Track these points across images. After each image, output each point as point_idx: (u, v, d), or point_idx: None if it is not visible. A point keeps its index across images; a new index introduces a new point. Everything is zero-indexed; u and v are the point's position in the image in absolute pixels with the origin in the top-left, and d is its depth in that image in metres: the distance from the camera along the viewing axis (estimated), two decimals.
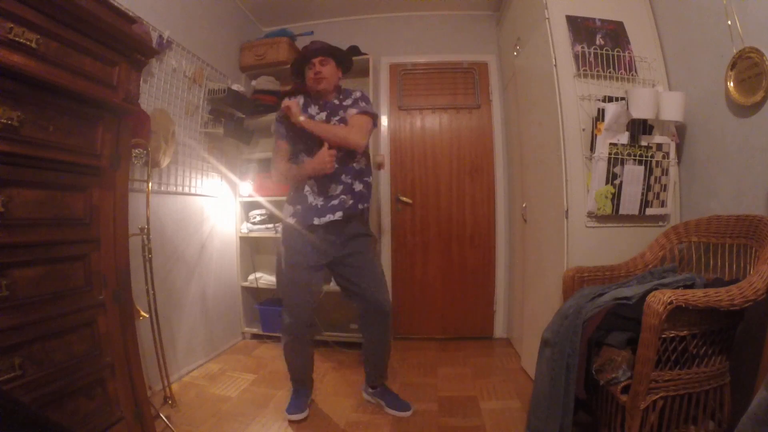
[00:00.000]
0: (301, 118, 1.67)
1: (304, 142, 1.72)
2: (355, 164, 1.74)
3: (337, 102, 1.80)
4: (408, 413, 1.79)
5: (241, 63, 2.90)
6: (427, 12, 3.04)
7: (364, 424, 1.73)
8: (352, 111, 1.75)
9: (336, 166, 1.67)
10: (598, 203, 1.74)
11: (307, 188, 1.72)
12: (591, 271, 1.63)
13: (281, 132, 1.78)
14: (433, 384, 2.08)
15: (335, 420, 1.77)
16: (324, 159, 1.62)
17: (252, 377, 2.21)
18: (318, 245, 1.70)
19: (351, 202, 1.71)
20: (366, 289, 1.72)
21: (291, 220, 1.73)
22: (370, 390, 1.91)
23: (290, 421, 1.73)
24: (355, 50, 2.83)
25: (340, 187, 1.71)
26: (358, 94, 1.83)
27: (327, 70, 1.75)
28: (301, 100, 1.82)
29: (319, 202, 1.70)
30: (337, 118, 1.76)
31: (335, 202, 1.69)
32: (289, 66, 2.78)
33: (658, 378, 1.14)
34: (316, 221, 1.68)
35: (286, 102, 1.71)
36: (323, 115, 1.77)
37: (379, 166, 2.47)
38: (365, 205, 1.77)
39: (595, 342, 1.29)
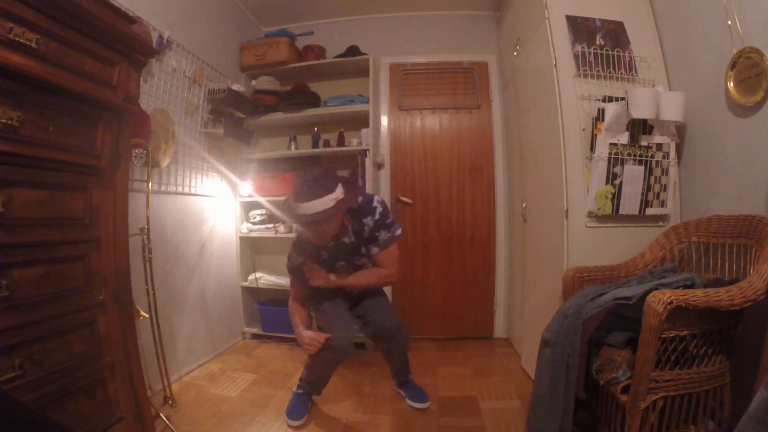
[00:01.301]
0: (333, 278, 1.68)
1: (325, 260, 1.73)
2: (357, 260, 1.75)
3: (351, 241, 1.67)
4: (423, 405, 1.85)
5: (241, 63, 2.90)
6: (427, 12, 3.04)
7: (364, 424, 1.73)
8: (375, 250, 1.66)
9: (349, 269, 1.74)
10: (598, 203, 1.74)
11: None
12: (591, 271, 1.63)
13: (299, 277, 1.74)
14: (433, 384, 2.08)
15: (335, 420, 1.77)
16: (305, 343, 1.67)
17: (252, 377, 2.21)
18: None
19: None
20: (370, 317, 1.76)
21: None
22: (395, 383, 2.01)
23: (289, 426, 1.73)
24: (355, 49, 2.84)
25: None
26: (370, 222, 1.61)
27: (320, 230, 1.54)
28: (307, 246, 1.71)
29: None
30: (364, 259, 1.73)
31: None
32: (289, 66, 2.82)
33: (658, 378, 1.14)
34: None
35: (313, 282, 1.69)
36: (341, 264, 1.74)
37: (378, 166, 2.48)
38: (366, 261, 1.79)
39: (595, 342, 1.29)
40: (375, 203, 1.64)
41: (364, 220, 1.63)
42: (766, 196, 1.34)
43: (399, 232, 1.70)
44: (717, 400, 1.23)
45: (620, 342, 1.23)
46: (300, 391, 1.84)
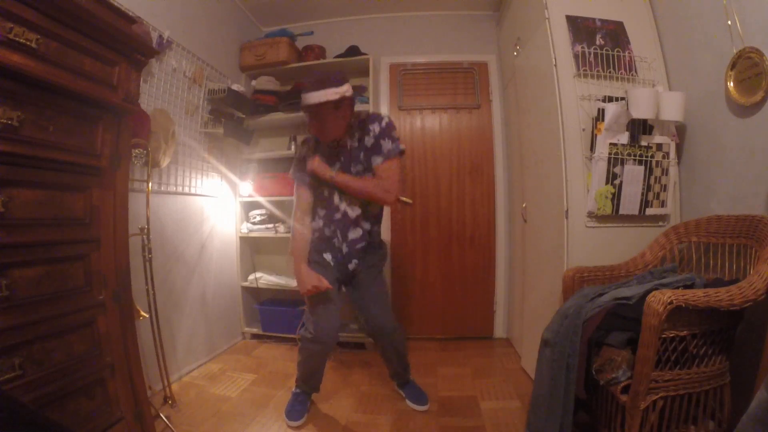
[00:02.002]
0: (332, 174, 1.60)
1: (322, 192, 1.69)
2: (372, 207, 1.71)
3: (353, 145, 1.64)
4: (423, 407, 1.84)
5: (241, 63, 2.90)
6: (427, 12, 3.04)
7: (364, 424, 1.73)
8: (378, 160, 1.61)
9: (360, 211, 1.66)
10: (598, 203, 1.74)
11: (328, 232, 1.69)
12: (591, 271, 1.63)
13: (304, 180, 1.70)
14: (433, 384, 2.08)
15: (335, 420, 1.77)
16: (304, 282, 1.57)
17: (252, 377, 2.21)
18: (332, 263, 1.71)
19: (365, 244, 1.71)
20: (368, 311, 1.75)
21: (329, 258, 1.71)
22: (395, 383, 1.99)
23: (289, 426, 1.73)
24: (355, 49, 2.84)
25: (360, 232, 1.69)
26: (377, 129, 1.61)
27: (323, 125, 1.56)
28: (311, 142, 1.73)
29: (343, 247, 1.69)
30: (360, 168, 1.63)
31: (357, 246, 1.69)
32: (289, 66, 2.82)
33: (658, 378, 1.14)
34: (330, 259, 1.69)
35: (310, 166, 1.63)
36: (337, 166, 1.65)
37: None
38: (376, 240, 1.77)
39: (595, 342, 1.29)
40: (383, 115, 1.67)
41: (370, 126, 1.63)
42: (766, 196, 1.34)
43: (403, 147, 1.66)
44: (717, 400, 1.23)
45: (620, 342, 1.23)
46: (297, 390, 1.84)
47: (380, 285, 1.83)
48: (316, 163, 1.63)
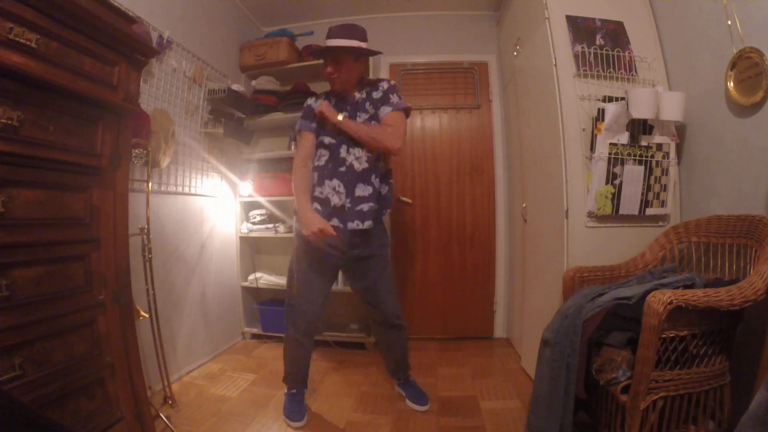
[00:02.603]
0: (340, 117, 1.62)
1: (331, 138, 1.65)
2: (383, 163, 1.70)
3: (361, 97, 1.70)
4: (423, 408, 1.83)
5: (241, 63, 2.90)
6: (427, 12, 3.04)
7: (364, 424, 1.73)
8: (386, 109, 1.66)
9: (367, 165, 1.62)
10: (598, 203, 1.74)
11: (328, 189, 1.62)
12: (591, 271, 1.63)
13: (309, 126, 1.71)
14: (433, 384, 2.08)
15: (335, 420, 1.77)
16: (311, 224, 1.52)
17: (252, 377, 2.21)
18: (336, 245, 1.61)
19: (377, 207, 1.66)
20: (379, 300, 1.75)
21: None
22: (395, 382, 1.99)
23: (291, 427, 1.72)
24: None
25: (369, 190, 1.63)
26: (385, 85, 1.71)
27: (344, 70, 1.64)
28: (322, 98, 1.76)
29: (347, 203, 1.61)
30: (366, 116, 1.67)
31: (365, 207, 1.61)
32: (289, 66, 2.82)
33: (658, 378, 1.14)
34: (337, 223, 1.60)
35: (318, 108, 1.65)
36: (346, 115, 1.66)
37: None
38: (388, 210, 1.74)
39: (595, 342, 1.29)
40: (388, 79, 1.78)
41: (379, 84, 1.73)
42: (766, 196, 1.34)
43: (410, 108, 1.74)
44: (717, 400, 1.23)
45: (620, 342, 1.23)
46: (293, 390, 1.84)
47: (390, 274, 1.81)
48: (324, 106, 1.64)
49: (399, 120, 1.65)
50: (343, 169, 1.62)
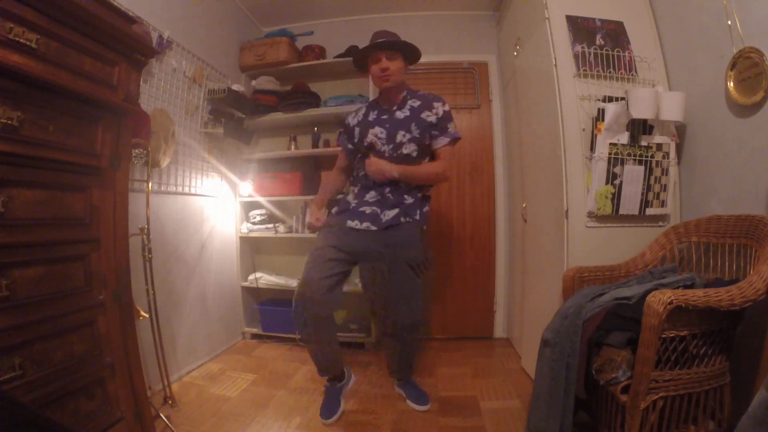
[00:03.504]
0: (396, 174, 1.63)
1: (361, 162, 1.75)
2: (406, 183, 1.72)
3: (404, 114, 1.70)
4: (423, 407, 1.83)
5: (241, 63, 2.90)
6: (427, 12, 3.04)
7: (364, 424, 1.73)
8: (444, 141, 1.70)
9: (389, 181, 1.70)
10: (598, 203, 1.74)
11: (351, 196, 1.77)
12: (591, 271, 1.63)
13: (345, 144, 1.86)
14: (433, 384, 2.08)
15: (335, 420, 1.76)
16: (312, 218, 1.76)
17: (252, 377, 2.21)
18: (354, 236, 1.68)
19: (391, 214, 1.68)
20: (394, 304, 1.71)
21: (334, 214, 1.77)
22: (395, 382, 1.99)
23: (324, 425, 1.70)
24: (355, 49, 2.84)
25: (386, 198, 1.71)
26: (441, 111, 1.68)
27: (395, 66, 1.64)
28: (362, 111, 1.82)
29: (354, 203, 1.75)
30: (407, 137, 1.67)
31: (367, 210, 1.70)
32: (289, 66, 2.82)
33: (658, 378, 1.14)
34: (350, 224, 1.69)
35: (372, 171, 1.66)
36: (384, 133, 1.69)
37: None
38: (408, 219, 1.69)
39: (595, 342, 1.29)
40: (443, 99, 1.76)
41: (435, 103, 1.71)
42: (766, 196, 1.34)
43: (460, 135, 1.76)
44: (717, 400, 1.23)
45: (620, 342, 1.23)
46: (326, 384, 1.85)
47: (408, 279, 1.69)
48: (376, 168, 1.64)
49: (451, 153, 1.72)
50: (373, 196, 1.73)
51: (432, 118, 1.69)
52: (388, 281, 1.70)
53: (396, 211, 1.68)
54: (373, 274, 1.77)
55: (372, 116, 1.76)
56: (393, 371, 1.98)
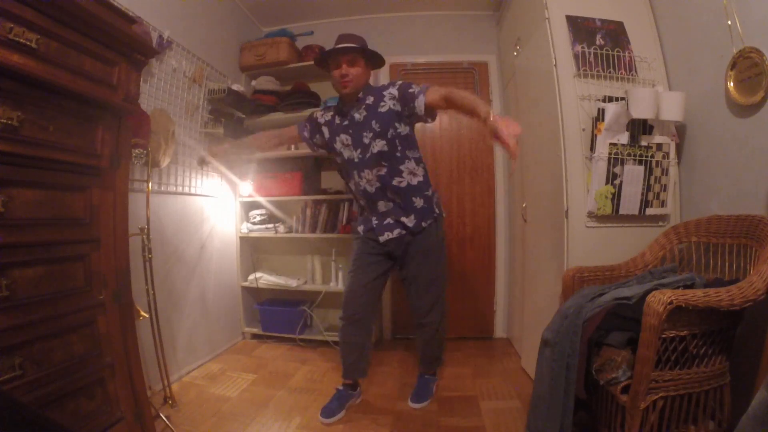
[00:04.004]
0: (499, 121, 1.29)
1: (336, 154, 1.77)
2: (398, 181, 1.69)
3: (362, 115, 1.66)
4: (416, 405, 1.86)
5: (241, 63, 2.90)
6: (427, 12, 3.04)
7: (364, 424, 1.73)
8: (421, 98, 1.56)
9: (378, 185, 1.69)
10: (598, 203, 1.74)
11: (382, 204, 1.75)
12: (591, 271, 1.63)
13: (303, 127, 1.86)
14: None
15: (335, 420, 1.76)
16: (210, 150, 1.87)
17: (252, 377, 2.21)
18: (383, 247, 1.77)
19: (410, 220, 1.72)
20: (412, 301, 1.84)
21: (362, 233, 1.82)
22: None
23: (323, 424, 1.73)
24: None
25: (390, 205, 1.73)
26: (394, 90, 1.63)
27: (355, 72, 1.62)
28: (330, 112, 1.80)
29: (374, 220, 1.77)
30: (370, 135, 1.64)
31: (390, 221, 1.74)
32: (289, 66, 2.82)
33: (658, 378, 1.14)
34: (383, 238, 1.74)
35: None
36: (349, 140, 1.69)
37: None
38: (429, 222, 1.74)
39: (595, 342, 1.29)
40: (396, 81, 1.70)
41: (385, 91, 1.67)
42: (766, 196, 1.34)
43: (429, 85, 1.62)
44: (717, 400, 1.23)
45: (620, 342, 1.23)
46: (340, 386, 1.88)
47: (432, 284, 1.81)
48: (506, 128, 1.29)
49: (438, 89, 1.57)
50: (362, 188, 1.74)
51: (390, 104, 1.63)
52: (414, 280, 1.80)
53: (412, 216, 1.73)
54: (403, 275, 1.85)
55: (337, 121, 1.75)
56: (419, 362, 2.03)
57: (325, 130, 1.80)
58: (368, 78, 1.72)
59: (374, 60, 1.72)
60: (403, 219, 1.72)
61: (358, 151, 1.69)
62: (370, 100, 1.68)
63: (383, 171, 1.67)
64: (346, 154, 1.72)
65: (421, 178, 1.73)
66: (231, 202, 2.82)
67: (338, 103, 1.77)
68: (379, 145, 1.64)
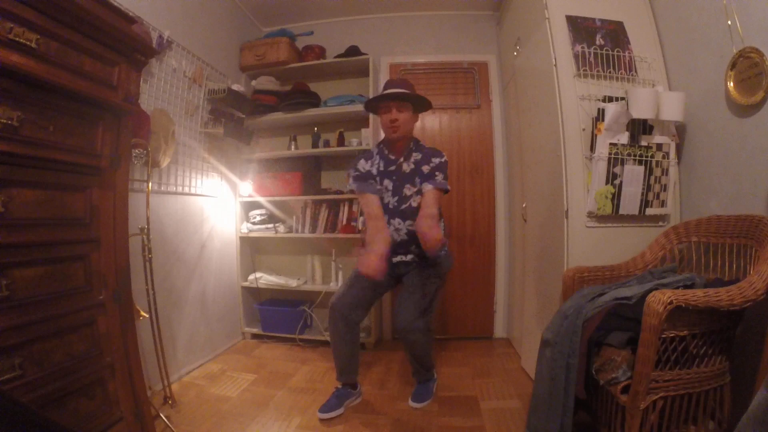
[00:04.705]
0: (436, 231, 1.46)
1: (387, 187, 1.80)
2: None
3: (410, 168, 1.76)
4: (416, 405, 1.86)
5: (241, 63, 2.91)
6: (427, 12, 3.04)
7: (364, 424, 1.73)
8: (428, 187, 1.68)
9: (405, 238, 1.77)
10: (598, 203, 1.74)
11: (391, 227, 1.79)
12: (591, 271, 1.63)
13: (372, 188, 1.75)
14: None
15: (335, 420, 1.76)
16: (367, 262, 1.49)
17: (252, 377, 2.21)
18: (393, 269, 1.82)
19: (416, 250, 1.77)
20: (397, 308, 1.81)
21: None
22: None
23: (320, 420, 1.74)
24: (355, 49, 2.84)
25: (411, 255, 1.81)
26: (437, 161, 1.73)
27: (403, 117, 1.69)
28: (375, 159, 1.81)
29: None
30: (413, 190, 1.74)
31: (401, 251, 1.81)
32: (289, 66, 2.82)
33: (658, 378, 1.14)
34: (395, 259, 1.81)
35: (432, 239, 1.47)
36: (390, 185, 1.77)
37: None
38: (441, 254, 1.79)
39: (595, 342, 1.29)
40: (443, 153, 1.79)
41: (433, 158, 1.75)
42: (766, 196, 1.34)
43: (449, 188, 1.77)
44: (717, 400, 1.23)
45: (620, 342, 1.23)
46: (338, 386, 1.88)
47: (417, 292, 1.78)
48: (431, 238, 1.46)
49: (436, 198, 1.67)
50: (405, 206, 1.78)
51: (428, 170, 1.74)
52: (404, 289, 1.82)
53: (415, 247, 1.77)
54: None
55: (382, 166, 1.80)
56: (412, 372, 2.01)
57: (377, 179, 1.82)
58: (415, 122, 1.80)
59: (422, 105, 1.78)
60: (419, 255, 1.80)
61: (396, 198, 1.78)
62: (418, 156, 1.77)
63: (414, 227, 1.67)
64: (385, 198, 1.78)
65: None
66: (231, 202, 2.82)
67: (382, 147, 1.83)
68: (417, 200, 1.73)
